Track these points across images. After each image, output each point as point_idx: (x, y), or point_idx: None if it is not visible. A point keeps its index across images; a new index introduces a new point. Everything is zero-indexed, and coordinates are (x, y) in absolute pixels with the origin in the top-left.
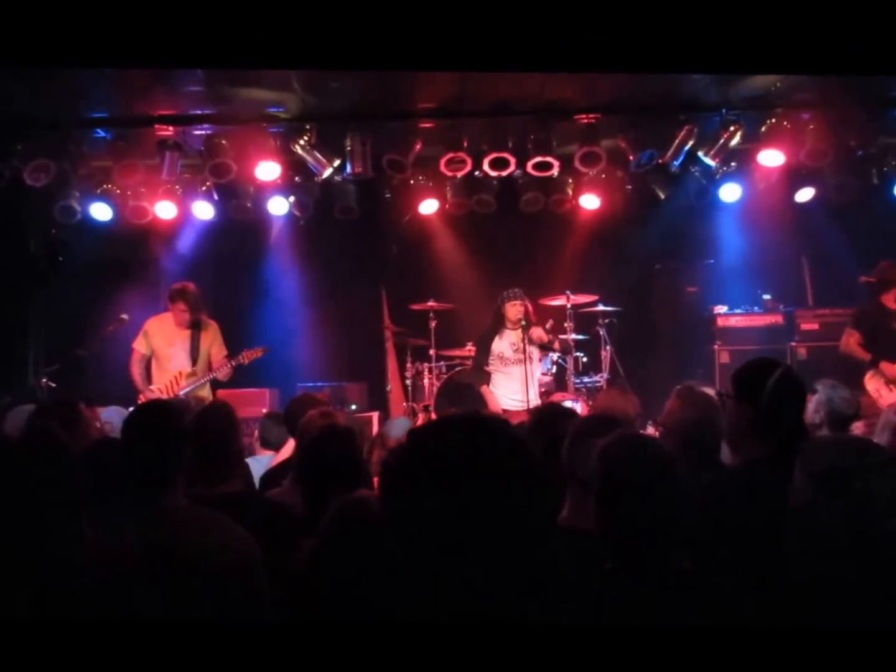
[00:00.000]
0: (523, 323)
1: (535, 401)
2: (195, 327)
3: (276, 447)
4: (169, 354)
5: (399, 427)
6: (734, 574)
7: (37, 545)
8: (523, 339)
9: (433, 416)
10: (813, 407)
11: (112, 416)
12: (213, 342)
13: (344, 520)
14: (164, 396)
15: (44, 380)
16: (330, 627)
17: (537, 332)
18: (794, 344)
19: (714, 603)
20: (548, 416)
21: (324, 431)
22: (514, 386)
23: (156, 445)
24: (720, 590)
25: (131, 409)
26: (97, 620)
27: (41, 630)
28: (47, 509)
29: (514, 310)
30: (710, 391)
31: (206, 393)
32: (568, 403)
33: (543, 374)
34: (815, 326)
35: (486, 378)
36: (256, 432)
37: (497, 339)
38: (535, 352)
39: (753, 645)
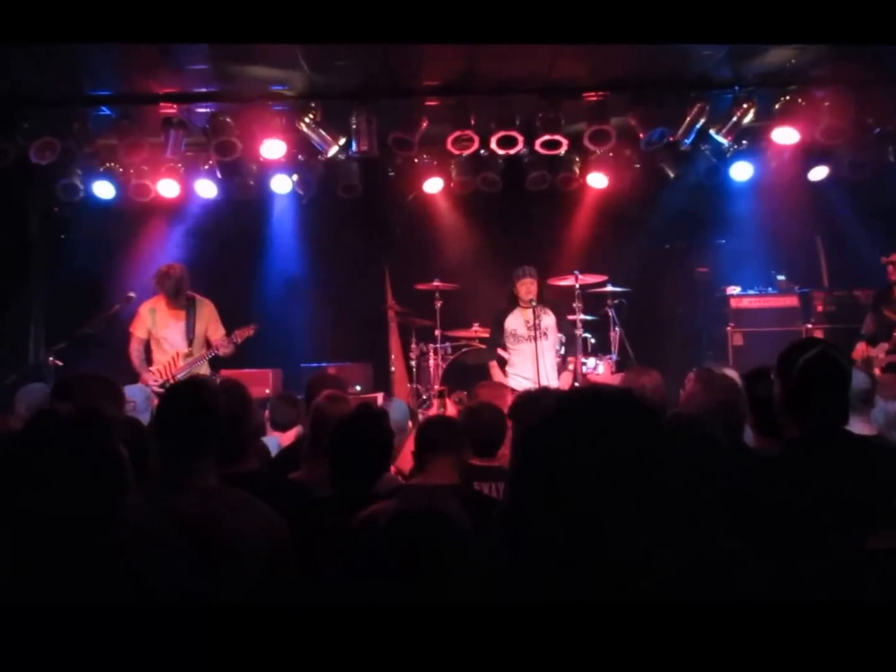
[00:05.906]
0: (533, 303)
1: (551, 380)
2: (190, 307)
3: (286, 428)
4: (165, 336)
5: (397, 411)
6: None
7: (79, 523)
8: (536, 317)
9: (448, 400)
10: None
11: (135, 395)
12: (209, 321)
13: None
14: (162, 378)
15: (50, 358)
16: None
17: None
18: (810, 326)
19: (763, 582)
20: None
21: (357, 412)
22: (526, 364)
23: (192, 423)
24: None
25: (144, 387)
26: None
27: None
28: (94, 487)
29: (523, 288)
30: (732, 372)
31: (205, 371)
32: (591, 362)
33: None
34: (832, 308)
35: (493, 355)
36: (267, 413)
37: (510, 316)
38: (550, 331)
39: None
